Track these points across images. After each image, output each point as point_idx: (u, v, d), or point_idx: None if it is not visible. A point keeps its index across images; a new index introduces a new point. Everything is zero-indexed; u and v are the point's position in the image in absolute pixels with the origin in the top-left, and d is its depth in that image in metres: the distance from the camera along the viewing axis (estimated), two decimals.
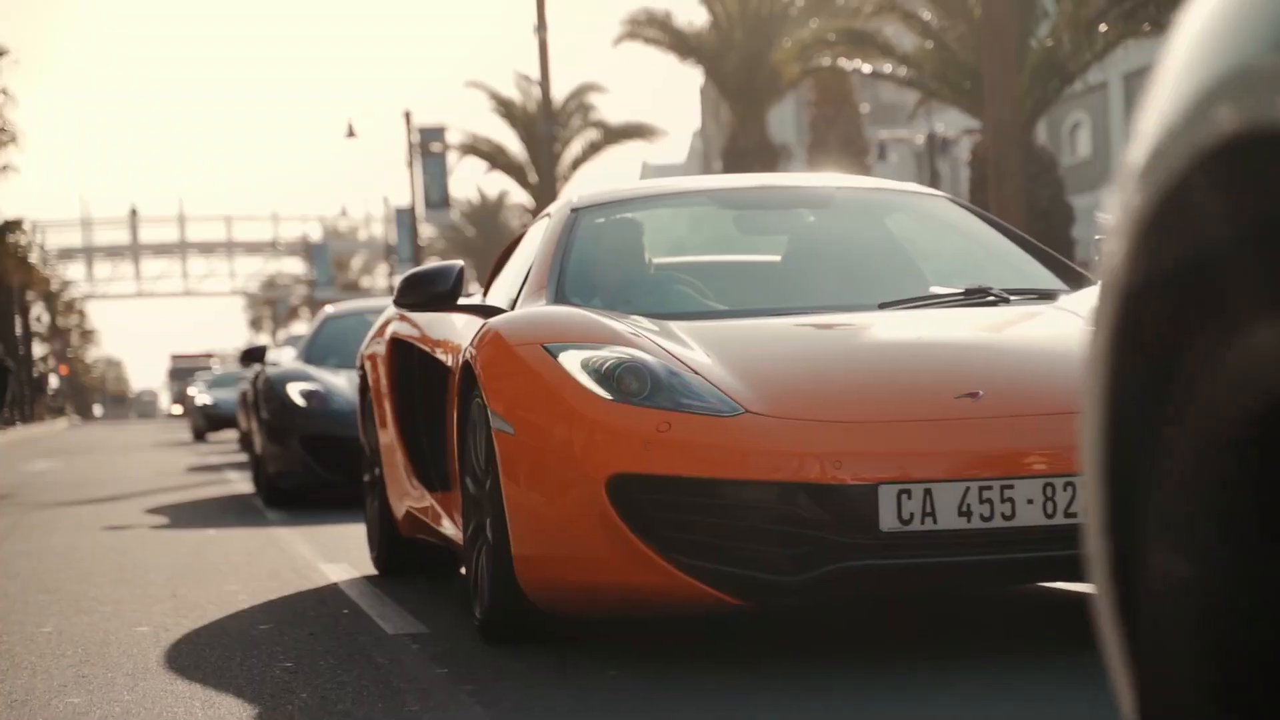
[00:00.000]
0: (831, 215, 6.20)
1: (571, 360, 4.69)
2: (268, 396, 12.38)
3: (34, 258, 62.60)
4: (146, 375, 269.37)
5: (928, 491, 4.33)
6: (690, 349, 4.82)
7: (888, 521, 4.32)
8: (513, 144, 42.91)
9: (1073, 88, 26.92)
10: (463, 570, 6.43)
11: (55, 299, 76.06)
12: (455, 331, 6.00)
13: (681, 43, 34.79)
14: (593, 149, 41.78)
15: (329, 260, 74.75)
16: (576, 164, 41.70)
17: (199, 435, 34.31)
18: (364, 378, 7.33)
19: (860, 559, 4.32)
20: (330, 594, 6.65)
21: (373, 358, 7.13)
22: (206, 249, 79.21)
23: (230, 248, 79.54)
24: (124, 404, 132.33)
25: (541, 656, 4.83)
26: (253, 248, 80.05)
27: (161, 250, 78.35)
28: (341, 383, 12.20)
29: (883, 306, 5.34)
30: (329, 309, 14.47)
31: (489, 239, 57.73)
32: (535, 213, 41.18)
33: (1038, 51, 24.76)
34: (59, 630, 5.92)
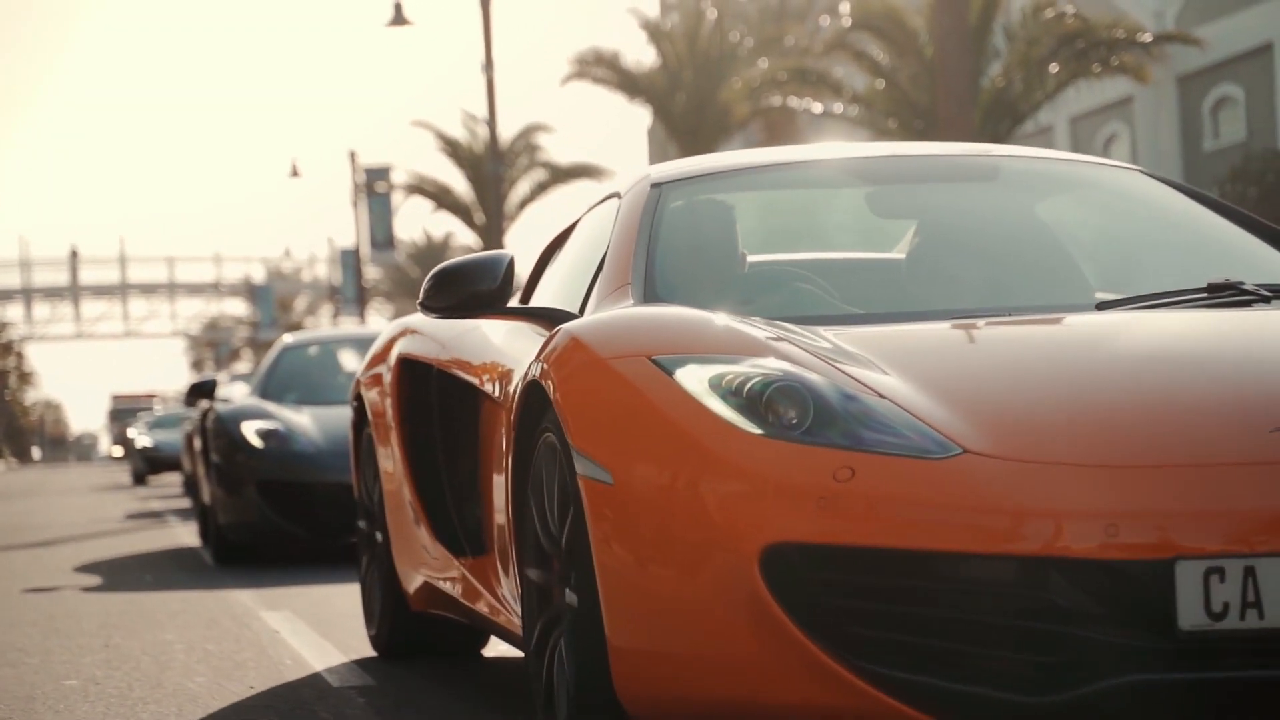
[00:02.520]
0: (995, 192, 4.69)
1: (694, 378, 3.31)
2: (219, 437, 10.89)
3: None
4: (87, 418, 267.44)
5: (1249, 571, 2.95)
6: (864, 363, 3.42)
7: (1190, 616, 2.95)
8: (459, 184, 42.70)
9: (1022, 128, 26.93)
10: (501, 651, 5.60)
11: None
12: (493, 346, 4.71)
13: (630, 82, 34.69)
14: (540, 189, 41.63)
15: (272, 301, 74.25)
16: (524, 204, 41.53)
17: (139, 478, 33.75)
18: (359, 410, 5.90)
19: (1148, 671, 2.96)
20: (271, 643, 6.34)
21: (374, 384, 5.67)
22: (148, 290, 78.50)
23: (172, 289, 78.87)
24: (63, 447, 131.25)
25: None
26: (195, 289, 79.42)
27: (102, 291, 77.58)
28: (304, 421, 10.82)
29: (1101, 307, 3.93)
30: (287, 338, 12.95)
31: None
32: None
33: (989, 91, 24.76)
34: None
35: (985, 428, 3.17)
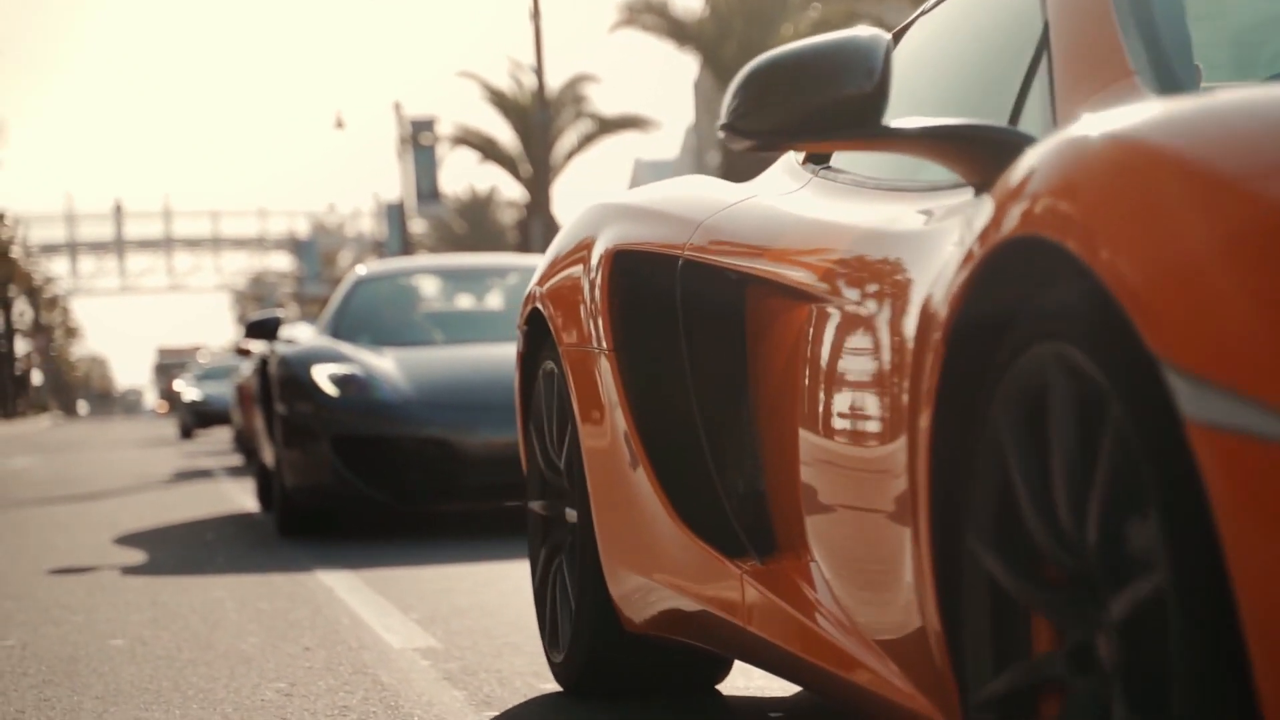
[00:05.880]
0: None
1: None
2: (286, 384, 8.99)
3: (16, 253, 62.17)
4: (132, 372, 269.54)
5: None
6: None
7: None
8: (505, 135, 42.47)
9: None
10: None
11: (38, 295, 75.53)
12: (803, 219, 3.08)
13: (679, 30, 34.36)
14: (587, 140, 41.37)
15: (317, 256, 74.34)
16: (570, 155, 41.28)
17: (186, 433, 33.63)
18: (533, 335, 4.10)
19: None
20: (327, 601, 6.04)
21: (567, 295, 3.80)
22: (192, 244, 78.86)
23: (216, 243, 79.18)
24: (109, 401, 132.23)
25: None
26: (239, 243, 79.74)
27: (146, 245, 77.97)
28: (386, 365, 9.00)
29: None
30: (360, 269, 10.83)
31: (480, 235, 57.26)
32: (529, 207, 40.62)
33: None
34: (23, 644, 5.30)
35: None
